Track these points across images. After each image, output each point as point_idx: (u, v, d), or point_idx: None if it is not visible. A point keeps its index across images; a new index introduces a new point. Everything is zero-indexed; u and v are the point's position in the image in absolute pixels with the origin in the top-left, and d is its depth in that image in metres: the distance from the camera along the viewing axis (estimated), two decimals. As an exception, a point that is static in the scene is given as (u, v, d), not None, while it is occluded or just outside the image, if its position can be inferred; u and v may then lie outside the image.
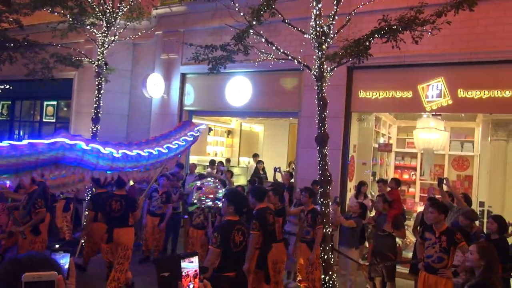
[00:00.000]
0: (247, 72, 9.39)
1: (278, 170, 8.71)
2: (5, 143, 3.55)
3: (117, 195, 5.84)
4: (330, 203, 6.57)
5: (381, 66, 7.85)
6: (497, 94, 7.08)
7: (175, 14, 10.23)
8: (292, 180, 8.81)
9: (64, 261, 1.48)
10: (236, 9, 5.31)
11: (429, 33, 4.43)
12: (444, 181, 6.56)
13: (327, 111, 5.68)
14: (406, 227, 8.00)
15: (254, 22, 5.02)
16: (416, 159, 11.05)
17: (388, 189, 6.65)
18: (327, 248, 5.62)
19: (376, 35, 4.51)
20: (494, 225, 5.20)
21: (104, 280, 6.00)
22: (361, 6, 5.76)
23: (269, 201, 6.02)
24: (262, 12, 4.90)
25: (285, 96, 9.25)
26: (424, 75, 7.70)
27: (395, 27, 4.36)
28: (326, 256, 5.63)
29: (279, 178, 8.79)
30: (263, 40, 5.38)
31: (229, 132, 14.56)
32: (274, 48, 5.44)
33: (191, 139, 5.28)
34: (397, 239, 7.51)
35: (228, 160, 12.61)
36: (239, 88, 9.63)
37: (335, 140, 8.19)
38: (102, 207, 5.89)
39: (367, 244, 6.98)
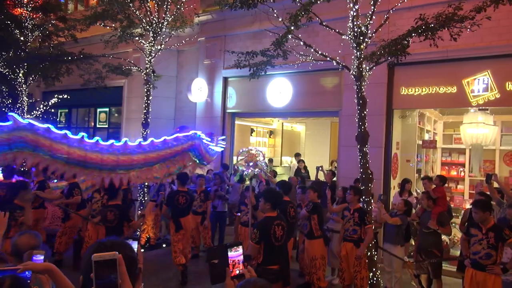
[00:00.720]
0: (287, 74, 9.57)
1: (320, 168, 8.81)
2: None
3: (181, 191, 6.83)
4: (373, 201, 6.65)
5: (423, 62, 7.75)
6: (548, 85, 6.78)
7: (216, 20, 10.61)
8: (335, 179, 8.88)
9: (134, 246, 1.77)
10: (275, 14, 5.51)
11: (468, 30, 4.40)
12: (493, 177, 6.40)
13: (367, 110, 5.74)
14: (453, 224, 7.86)
15: (292, 28, 5.19)
16: (464, 155, 10.69)
17: (433, 186, 6.57)
18: (371, 245, 5.68)
19: (413, 34, 4.54)
20: (547, 221, 5.05)
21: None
22: (399, 4, 5.77)
23: (308, 198, 6.22)
24: (299, 17, 5.07)
25: (325, 95, 9.34)
26: (469, 69, 7.51)
27: (432, 25, 4.37)
28: (370, 254, 5.69)
29: (321, 176, 8.88)
30: (302, 43, 5.53)
31: (271, 133, 14.77)
32: (312, 50, 5.57)
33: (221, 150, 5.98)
34: (444, 237, 7.41)
35: (270, 160, 12.82)
36: (279, 90, 9.83)
37: (377, 137, 8.19)
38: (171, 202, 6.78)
39: (413, 242, 6.93)
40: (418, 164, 9.89)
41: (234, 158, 6.87)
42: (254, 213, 6.28)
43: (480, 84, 7.39)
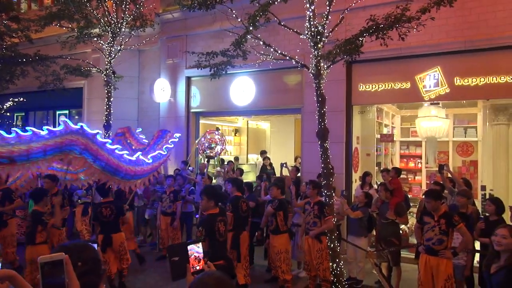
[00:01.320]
0: (250, 72, 9.68)
1: (284, 165, 8.97)
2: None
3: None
4: (335, 195, 6.89)
5: (379, 59, 8.08)
6: (493, 80, 7.26)
7: (177, 19, 10.55)
8: (299, 174, 9.09)
9: None
10: (234, 15, 5.59)
11: (415, 30, 4.67)
12: (445, 168, 6.80)
13: (326, 107, 5.93)
14: (411, 213, 8.26)
15: (251, 28, 5.29)
16: (420, 148, 11.22)
17: (390, 178, 6.89)
18: (333, 237, 5.89)
19: (365, 34, 4.76)
20: (492, 207, 5.44)
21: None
22: (353, 4, 6.00)
23: (271, 195, 6.38)
24: (257, 18, 5.18)
25: (288, 93, 9.52)
26: (421, 65, 7.90)
27: (381, 26, 4.60)
28: (332, 245, 5.90)
29: (286, 173, 9.07)
30: (261, 43, 5.65)
31: (236, 131, 14.87)
32: (272, 49, 5.71)
33: (172, 146, 5.98)
34: (403, 226, 7.79)
35: (236, 158, 12.92)
36: (243, 88, 9.93)
37: (338, 133, 8.47)
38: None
39: (375, 232, 7.25)
40: (378, 158, 10.30)
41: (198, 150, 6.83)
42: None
43: (431, 80, 7.80)
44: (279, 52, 5.80)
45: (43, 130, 4.74)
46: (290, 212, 6.63)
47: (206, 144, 6.30)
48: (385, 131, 10.61)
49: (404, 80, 8.07)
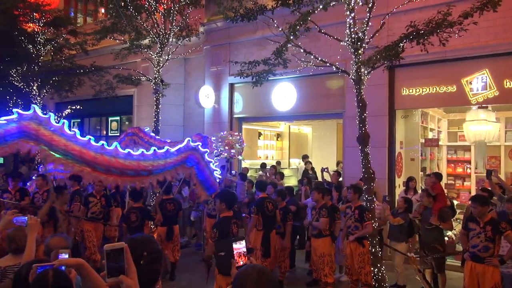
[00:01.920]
0: (291, 78, 9.82)
1: (325, 170, 9.04)
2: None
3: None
4: (377, 201, 6.87)
5: (422, 62, 7.95)
6: (545, 82, 6.95)
7: (220, 28, 10.92)
8: (341, 179, 9.10)
9: None
10: (275, 25, 5.79)
11: (456, 35, 4.62)
12: (493, 173, 6.59)
13: (367, 112, 5.97)
14: (458, 220, 8.02)
15: (291, 37, 5.46)
16: (469, 152, 10.82)
17: (431, 183, 6.77)
18: (374, 242, 5.90)
19: (404, 40, 4.78)
20: (542, 214, 5.23)
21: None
22: (394, 10, 6.00)
23: (313, 199, 6.50)
24: (298, 27, 5.34)
25: (329, 98, 9.58)
26: (467, 68, 7.70)
27: (422, 32, 4.60)
28: (374, 250, 5.91)
29: (327, 177, 9.11)
30: (302, 50, 5.80)
31: (279, 135, 15.04)
32: (312, 56, 5.84)
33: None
34: (450, 233, 7.60)
35: (278, 163, 13.08)
36: (284, 94, 10.10)
37: (380, 138, 8.43)
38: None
39: (417, 238, 7.13)
40: (423, 163, 10.07)
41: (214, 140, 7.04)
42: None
43: (479, 83, 7.57)
44: (319, 59, 5.92)
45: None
46: (339, 219, 6.68)
47: (221, 149, 6.53)
48: (430, 135, 10.36)
49: (450, 84, 7.89)
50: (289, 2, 5.16)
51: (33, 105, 4.71)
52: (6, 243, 3.02)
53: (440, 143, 11.27)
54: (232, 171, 10.22)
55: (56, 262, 1.87)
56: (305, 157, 12.22)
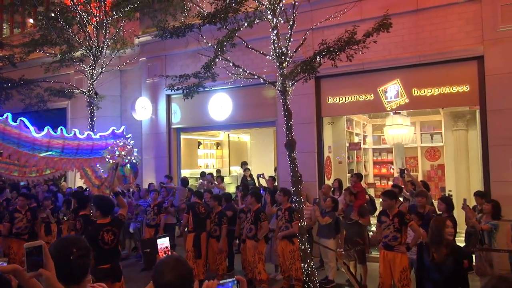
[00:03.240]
0: (227, 89, 10.22)
1: (261, 176, 9.52)
2: None
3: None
4: (308, 202, 7.44)
5: (344, 73, 8.70)
6: (446, 90, 7.98)
7: (155, 41, 11.01)
8: (276, 184, 9.61)
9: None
10: (204, 40, 6.16)
11: (360, 52, 5.29)
12: (405, 172, 7.44)
13: (292, 120, 6.49)
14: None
15: (219, 52, 5.85)
16: (392, 154, 11.91)
17: (353, 183, 7.47)
18: (304, 239, 6.40)
19: (317, 57, 5.36)
20: (443, 205, 6.05)
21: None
22: (314, 26, 6.61)
23: (247, 203, 6.91)
24: (224, 43, 5.74)
25: (263, 107, 10.09)
26: (382, 78, 8.59)
27: (331, 49, 5.21)
28: (303, 247, 6.40)
29: (263, 183, 9.59)
30: (231, 64, 6.21)
31: (218, 144, 15.35)
32: (241, 70, 6.27)
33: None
34: (374, 228, 8.34)
35: (218, 171, 13.38)
36: (220, 104, 10.47)
37: (309, 143, 9.07)
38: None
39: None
40: (351, 165, 10.92)
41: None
42: None
43: (392, 91, 8.48)
44: (247, 71, 6.36)
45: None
46: (265, 220, 7.11)
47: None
48: (356, 139, 11.27)
49: (368, 92, 8.73)
50: (215, 20, 5.52)
51: None
52: None
53: (366, 146, 12.28)
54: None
55: None
56: (244, 164, 12.66)
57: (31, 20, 12.90)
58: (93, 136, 6.36)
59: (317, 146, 9.20)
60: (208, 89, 8.13)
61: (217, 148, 15.28)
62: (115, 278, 4.70)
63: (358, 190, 7.02)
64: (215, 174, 12.37)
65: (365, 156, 12.31)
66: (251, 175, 12.16)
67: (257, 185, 11.19)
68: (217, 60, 6.14)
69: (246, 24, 5.80)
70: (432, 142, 11.43)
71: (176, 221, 9.26)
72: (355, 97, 8.87)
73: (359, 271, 6.99)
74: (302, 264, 6.37)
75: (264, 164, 13.57)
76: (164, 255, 2.52)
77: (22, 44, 9.68)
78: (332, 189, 8.82)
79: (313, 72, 5.39)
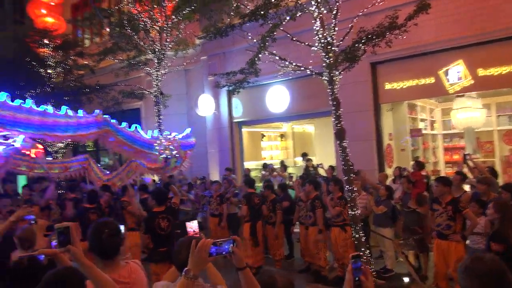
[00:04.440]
0: (284, 81, 10.36)
1: (320, 166, 9.58)
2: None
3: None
4: (363, 191, 7.37)
5: (401, 57, 8.42)
6: (515, 68, 7.32)
7: (212, 41, 11.54)
8: (335, 173, 9.59)
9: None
10: (249, 37, 6.40)
11: (399, 37, 5.10)
12: (468, 157, 7.02)
13: (342, 109, 6.48)
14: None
15: (262, 46, 6.04)
16: (464, 139, 11.15)
17: (411, 171, 7.22)
18: (357, 227, 6.39)
19: (356, 45, 5.29)
20: (507, 194, 5.63)
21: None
22: (362, 12, 6.49)
23: (305, 191, 7.07)
24: (267, 39, 5.92)
25: (320, 96, 10.02)
26: (442, 60, 8.12)
27: (369, 36, 5.11)
28: (357, 235, 6.40)
29: (322, 172, 9.63)
30: (277, 58, 6.38)
31: (282, 136, 15.57)
32: (287, 63, 6.41)
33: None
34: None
35: (282, 162, 13.61)
36: (278, 96, 10.67)
37: (367, 131, 8.92)
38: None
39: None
40: (416, 152, 10.45)
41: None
42: None
43: (454, 73, 7.98)
44: (293, 64, 6.48)
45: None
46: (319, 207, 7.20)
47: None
48: (422, 125, 10.74)
49: (428, 76, 8.32)
50: (257, 17, 5.71)
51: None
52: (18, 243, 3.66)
53: (434, 132, 11.65)
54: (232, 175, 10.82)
55: (36, 252, 2.49)
56: (304, 155, 12.73)
57: (107, 29, 14.18)
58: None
59: (376, 134, 9.00)
60: (267, 82, 8.35)
61: (281, 140, 15.50)
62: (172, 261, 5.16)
63: (416, 178, 6.80)
64: (279, 165, 12.65)
65: (434, 142, 11.69)
66: (313, 166, 12.21)
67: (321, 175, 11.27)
68: (266, 54, 6.33)
69: (288, 18, 5.91)
70: (510, 125, 10.51)
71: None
72: (414, 82, 8.51)
73: (416, 260, 6.79)
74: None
75: (328, 154, 13.49)
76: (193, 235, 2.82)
77: (97, 53, 10.76)
78: (393, 177, 8.61)
79: (356, 61, 5.34)
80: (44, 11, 14.05)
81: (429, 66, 8.28)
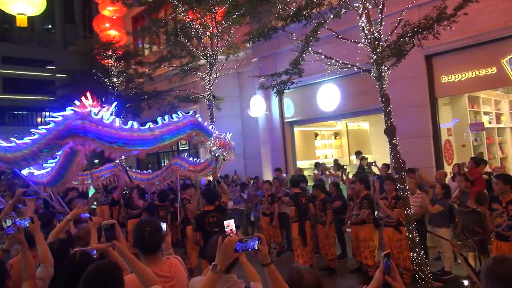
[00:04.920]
0: (334, 79, 10.25)
1: (373, 164, 9.34)
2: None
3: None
4: (418, 190, 7.09)
5: (458, 48, 7.98)
6: None
7: (262, 42, 11.71)
8: (390, 171, 9.30)
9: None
10: (294, 38, 6.45)
11: (448, 28, 4.84)
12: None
13: (391, 106, 6.30)
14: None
15: (306, 47, 6.06)
16: (538, 132, 10.29)
17: (468, 168, 6.82)
18: (411, 227, 6.18)
19: (401, 39, 5.11)
20: None
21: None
22: (408, 6, 6.27)
23: (353, 189, 6.97)
24: (311, 39, 5.92)
25: (371, 93, 9.78)
26: (505, 48, 7.56)
27: (415, 29, 4.90)
28: (411, 235, 6.19)
29: (376, 171, 9.38)
30: (323, 56, 6.36)
31: (336, 134, 15.33)
32: (333, 61, 6.37)
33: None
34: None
35: (336, 161, 13.42)
36: (329, 94, 10.57)
37: (423, 127, 8.56)
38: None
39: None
40: (480, 147, 9.80)
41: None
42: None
43: (519, 61, 7.41)
44: (340, 61, 6.42)
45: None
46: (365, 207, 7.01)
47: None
48: (486, 119, 10.05)
49: (489, 66, 7.79)
50: (300, 18, 5.74)
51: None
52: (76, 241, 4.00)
53: (501, 125, 10.84)
54: (283, 174, 10.90)
55: (89, 247, 2.76)
56: (358, 154, 12.45)
57: (163, 38, 14.95)
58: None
59: (433, 130, 8.59)
60: (311, 82, 8.36)
61: (335, 138, 15.27)
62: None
63: (475, 176, 6.41)
64: (332, 164, 12.51)
65: (501, 137, 10.87)
66: (368, 164, 11.92)
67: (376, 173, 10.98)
68: (312, 54, 6.35)
69: (332, 16, 5.88)
70: None
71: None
72: (474, 73, 8.01)
73: (476, 262, 6.39)
74: (411, 253, 6.17)
75: (384, 152, 13.05)
76: (230, 233, 2.96)
77: (154, 61, 11.41)
78: (452, 175, 8.17)
79: (403, 56, 5.18)
80: (107, 25, 15.13)
81: (491, 55, 7.75)
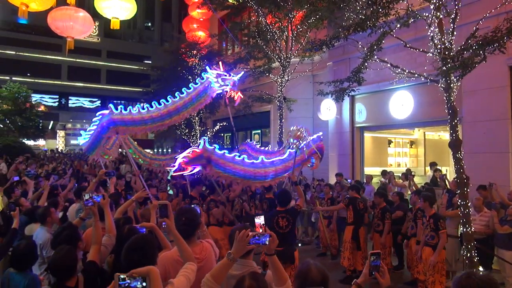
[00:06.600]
0: (408, 86, 9.98)
1: (444, 176, 8.97)
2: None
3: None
4: (485, 208, 6.72)
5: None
6: None
7: (338, 46, 11.77)
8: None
9: None
10: (360, 46, 6.52)
11: None
12: None
13: (458, 119, 6.08)
14: None
15: (369, 56, 6.10)
16: None
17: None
18: (469, 246, 5.92)
19: (465, 52, 4.91)
20: None
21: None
22: (489, 13, 5.98)
23: (411, 200, 6.85)
24: (375, 47, 5.95)
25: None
26: None
27: (480, 43, 4.69)
28: (469, 254, 5.93)
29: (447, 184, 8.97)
30: (388, 65, 6.35)
31: (412, 143, 14.77)
32: (399, 70, 6.32)
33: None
34: None
35: (408, 170, 12.95)
36: (402, 102, 10.30)
37: (502, 143, 8.02)
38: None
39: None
40: None
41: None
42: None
43: None
44: (407, 71, 6.35)
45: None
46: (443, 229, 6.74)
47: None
48: None
49: None
50: (365, 27, 5.80)
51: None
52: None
53: None
54: (348, 180, 10.87)
55: (139, 225, 3.27)
56: (433, 165, 11.89)
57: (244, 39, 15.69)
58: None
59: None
60: (384, 88, 8.26)
61: (410, 147, 14.73)
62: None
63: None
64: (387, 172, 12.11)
65: None
66: (442, 176, 11.35)
67: (448, 187, 10.46)
68: (378, 62, 6.39)
69: (398, 26, 5.86)
70: None
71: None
72: None
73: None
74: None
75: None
76: (259, 229, 3.30)
77: (233, 62, 12.12)
78: (529, 195, 7.55)
79: (468, 68, 5.01)
80: (195, 26, 16.30)
81: None
